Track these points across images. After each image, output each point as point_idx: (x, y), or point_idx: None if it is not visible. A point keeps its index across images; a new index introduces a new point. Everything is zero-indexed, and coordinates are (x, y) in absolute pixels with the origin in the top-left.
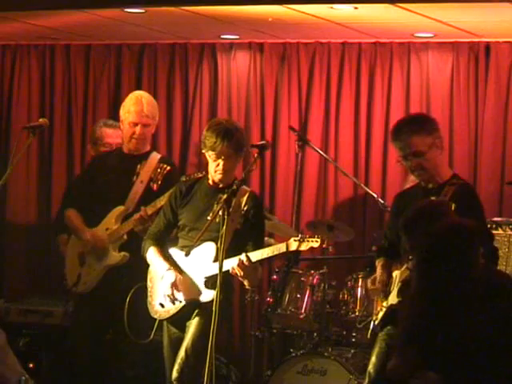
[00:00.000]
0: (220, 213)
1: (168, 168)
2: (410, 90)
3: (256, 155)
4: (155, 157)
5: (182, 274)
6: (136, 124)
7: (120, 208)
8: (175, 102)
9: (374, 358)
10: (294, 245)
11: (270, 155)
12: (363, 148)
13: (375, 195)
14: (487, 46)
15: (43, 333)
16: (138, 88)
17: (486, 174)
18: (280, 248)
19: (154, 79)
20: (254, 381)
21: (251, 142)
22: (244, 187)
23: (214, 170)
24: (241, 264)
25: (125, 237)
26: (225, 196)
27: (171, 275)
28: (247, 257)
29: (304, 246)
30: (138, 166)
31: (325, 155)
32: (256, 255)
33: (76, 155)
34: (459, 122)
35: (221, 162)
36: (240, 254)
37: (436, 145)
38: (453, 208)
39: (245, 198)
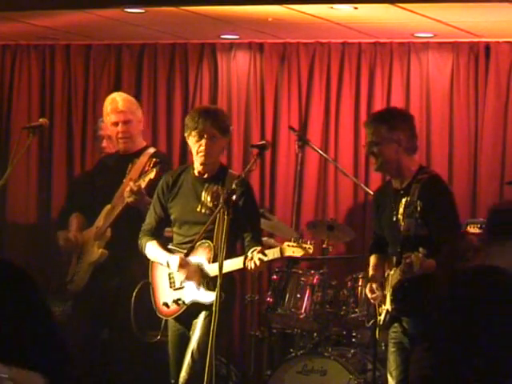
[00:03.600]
0: (218, 206)
1: (156, 161)
2: (410, 89)
3: (256, 155)
4: (148, 153)
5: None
6: (116, 123)
7: (108, 206)
8: (175, 101)
9: (391, 360)
10: (288, 250)
11: (269, 155)
12: (363, 148)
13: (372, 193)
14: (487, 46)
15: None
16: (138, 88)
17: (486, 173)
18: (274, 253)
19: (154, 79)
20: (253, 381)
21: (251, 142)
22: (231, 172)
23: (197, 151)
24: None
25: (108, 233)
26: (224, 196)
27: (175, 258)
28: (261, 257)
29: (298, 253)
30: (130, 165)
31: (325, 155)
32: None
33: (76, 155)
34: (459, 122)
35: (203, 141)
36: (234, 244)
37: (395, 141)
38: (419, 207)
39: (233, 186)
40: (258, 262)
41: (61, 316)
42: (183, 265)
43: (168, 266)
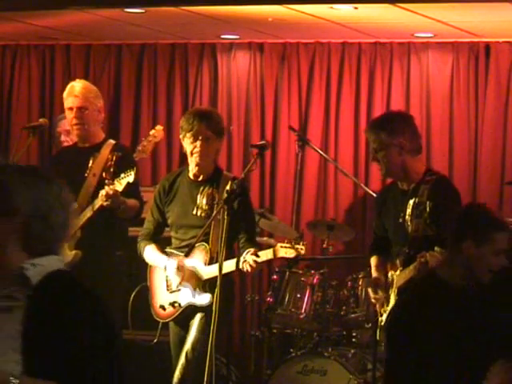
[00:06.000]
0: (216, 208)
1: (119, 154)
2: (410, 90)
3: (256, 155)
4: (108, 147)
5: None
6: (71, 109)
7: (74, 206)
8: (175, 101)
9: None
10: (281, 251)
11: (270, 155)
12: (363, 148)
13: (375, 195)
14: (487, 46)
15: None
16: (138, 88)
17: (486, 173)
18: (267, 254)
19: (154, 79)
20: (253, 381)
21: (251, 142)
22: (226, 174)
23: (191, 152)
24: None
25: (78, 234)
26: (224, 196)
27: (173, 261)
28: (254, 258)
29: (290, 254)
30: (91, 160)
31: (325, 155)
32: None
33: None
34: (459, 122)
35: (198, 143)
36: (231, 245)
37: (397, 145)
38: (429, 207)
39: (228, 187)
40: (253, 264)
41: None
42: (180, 269)
43: (165, 269)
